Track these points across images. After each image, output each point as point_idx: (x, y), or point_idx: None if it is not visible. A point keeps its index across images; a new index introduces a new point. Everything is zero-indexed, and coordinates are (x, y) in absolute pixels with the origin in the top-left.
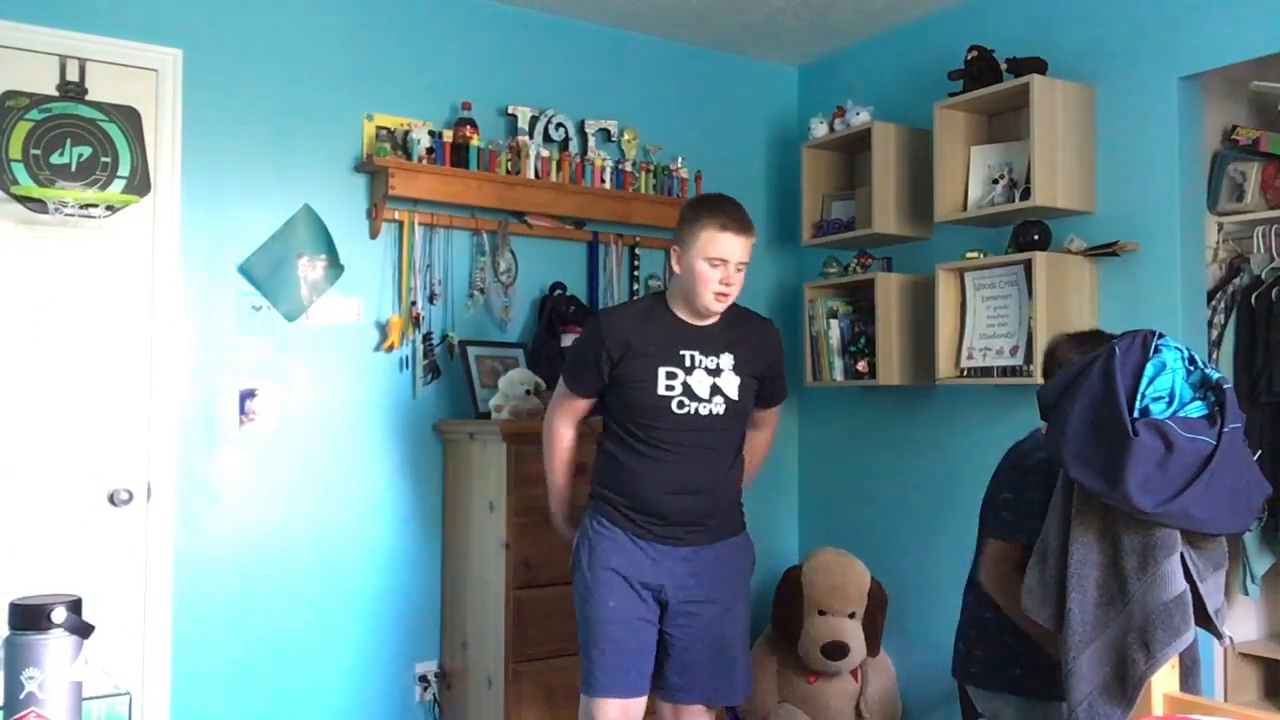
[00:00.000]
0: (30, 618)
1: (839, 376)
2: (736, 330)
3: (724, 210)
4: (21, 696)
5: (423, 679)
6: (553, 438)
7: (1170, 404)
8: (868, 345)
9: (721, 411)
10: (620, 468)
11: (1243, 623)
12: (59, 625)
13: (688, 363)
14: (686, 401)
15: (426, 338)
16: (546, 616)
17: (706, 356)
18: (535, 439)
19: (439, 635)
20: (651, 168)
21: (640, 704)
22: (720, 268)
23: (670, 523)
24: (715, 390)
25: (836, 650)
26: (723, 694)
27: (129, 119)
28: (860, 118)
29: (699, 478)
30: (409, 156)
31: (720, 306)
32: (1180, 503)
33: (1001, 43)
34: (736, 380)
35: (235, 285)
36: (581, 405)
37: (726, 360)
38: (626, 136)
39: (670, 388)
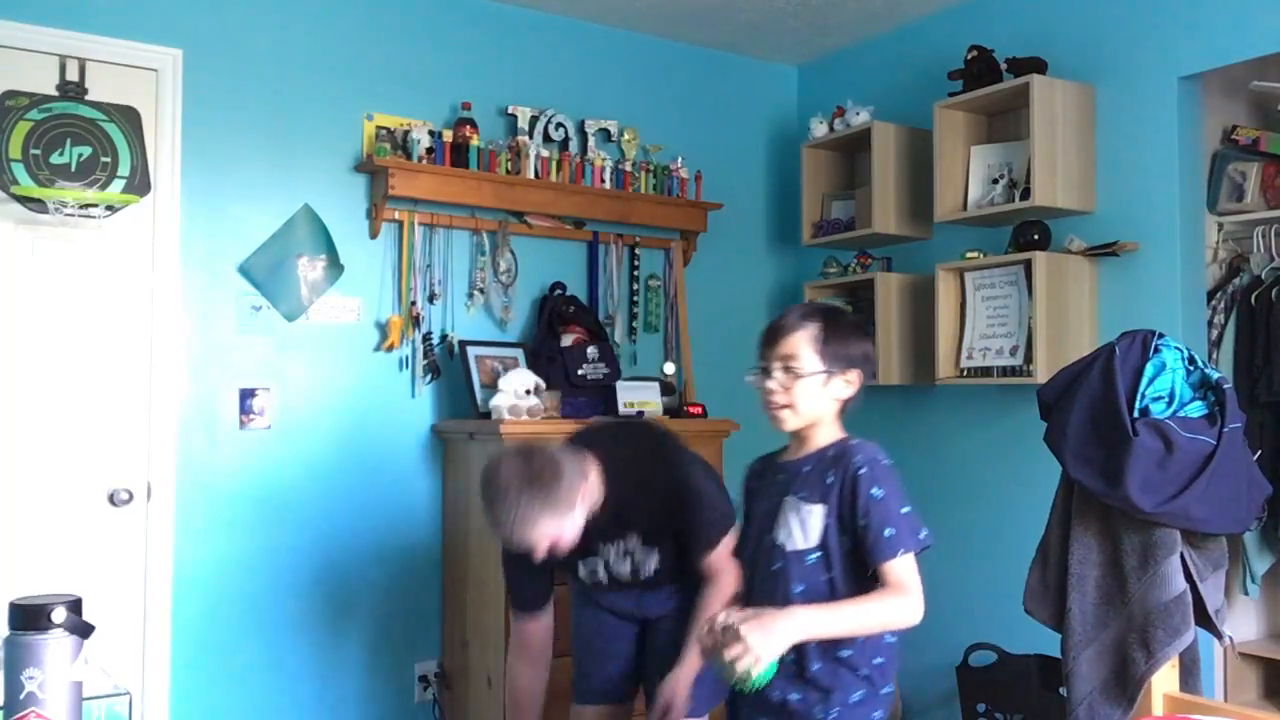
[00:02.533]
0: (30, 618)
1: None
2: None
3: None
4: (21, 696)
5: (423, 679)
6: None
7: (1170, 404)
8: None
9: None
10: None
11: (1243, 623)
12: (59, 625)
13: None
14: None
15: (426, 338)
16: None
17: None
18: (535, 439)
19: (439, 635)
20: (651, 168)
21: None
22: None
23: None
24: None
25: None
26: None
27: (129, 119)
28: (860, 118)
29: None
30: (409, 156)
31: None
32: (1180, 502)
33: (1001, 43)
34: None
35: (235, 285)
36: None
37: None
38: (626, 136)
39: None
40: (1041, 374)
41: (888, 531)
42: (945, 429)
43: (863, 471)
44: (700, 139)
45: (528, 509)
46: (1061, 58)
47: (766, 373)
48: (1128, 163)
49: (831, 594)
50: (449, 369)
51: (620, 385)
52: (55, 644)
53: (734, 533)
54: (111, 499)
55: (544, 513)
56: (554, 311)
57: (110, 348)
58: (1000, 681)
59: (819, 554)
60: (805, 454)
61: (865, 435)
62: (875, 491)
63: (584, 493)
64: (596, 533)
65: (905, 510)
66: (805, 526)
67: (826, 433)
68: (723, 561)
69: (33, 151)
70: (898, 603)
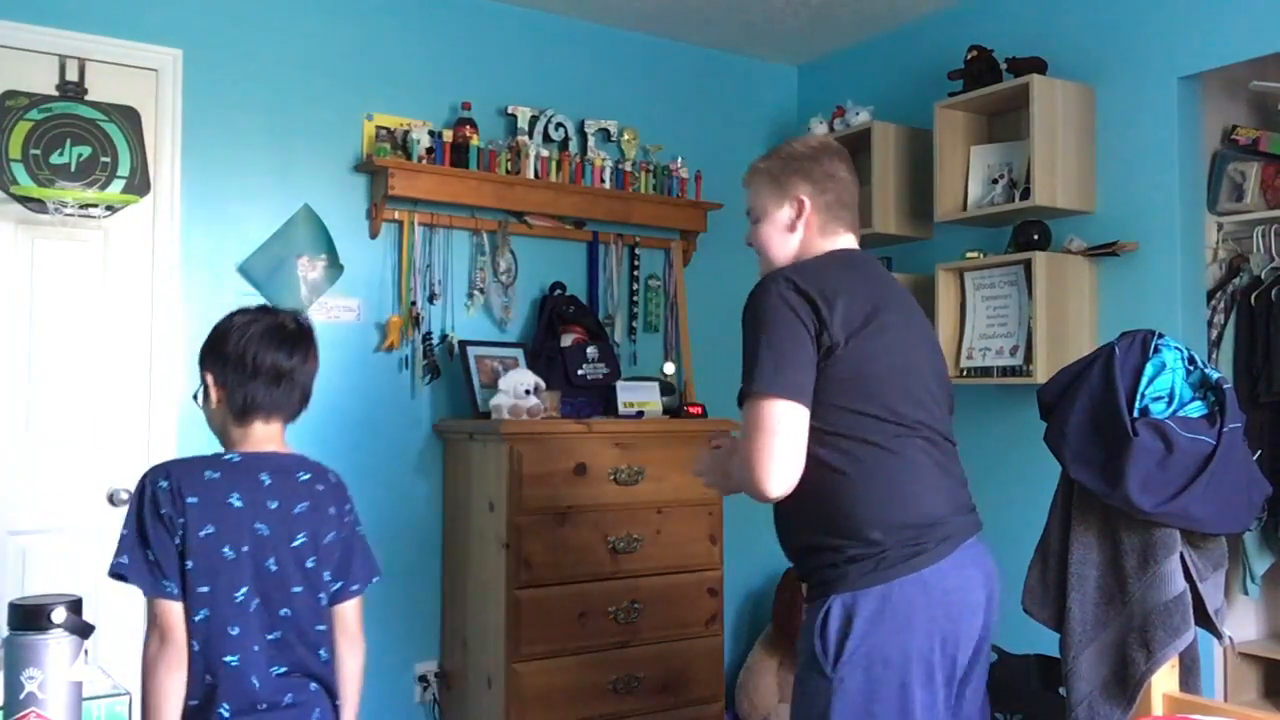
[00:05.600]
0: (30, 618)
1: None
2: None
3: None
4: (21, 696)
5: (423, 679)
6: None
7: (1170, 404)
8: None
9: None
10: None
11: (1243, 623)
12: (59, 625)
13: None
14: None
15: (426, 338)
16: (546, 616)
17: None
18: (535, 439)
19: (439, 635)
20: (651, 168)
21: None
22: None
23: None
24: None
25: None
26: None
27: (129, 119)
28: (860, 118)
29: None
30: (409, 156)
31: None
32: (1180, 502)
33: (1001, 43)
34: None
35: (235, 285)
36: None
37: None
38: (626, 136)
39: None
40: (1041, 374)
41: None
42: None
43: None
44: (700, 139)
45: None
46: (1061, 58)
47: None
48: (1128, 163)
49: None
50: (449, 369)
51: (620, 385)
52: (55, 644)
53: None
54: (111, 499)
55: None
56: (554, 311)
57: (110, 348)
58: (1000, 681)
59: None
60: None
61: None
62: None
63: None
64: None
65: None
66: None
67: None
68: None
69: (33, 151)
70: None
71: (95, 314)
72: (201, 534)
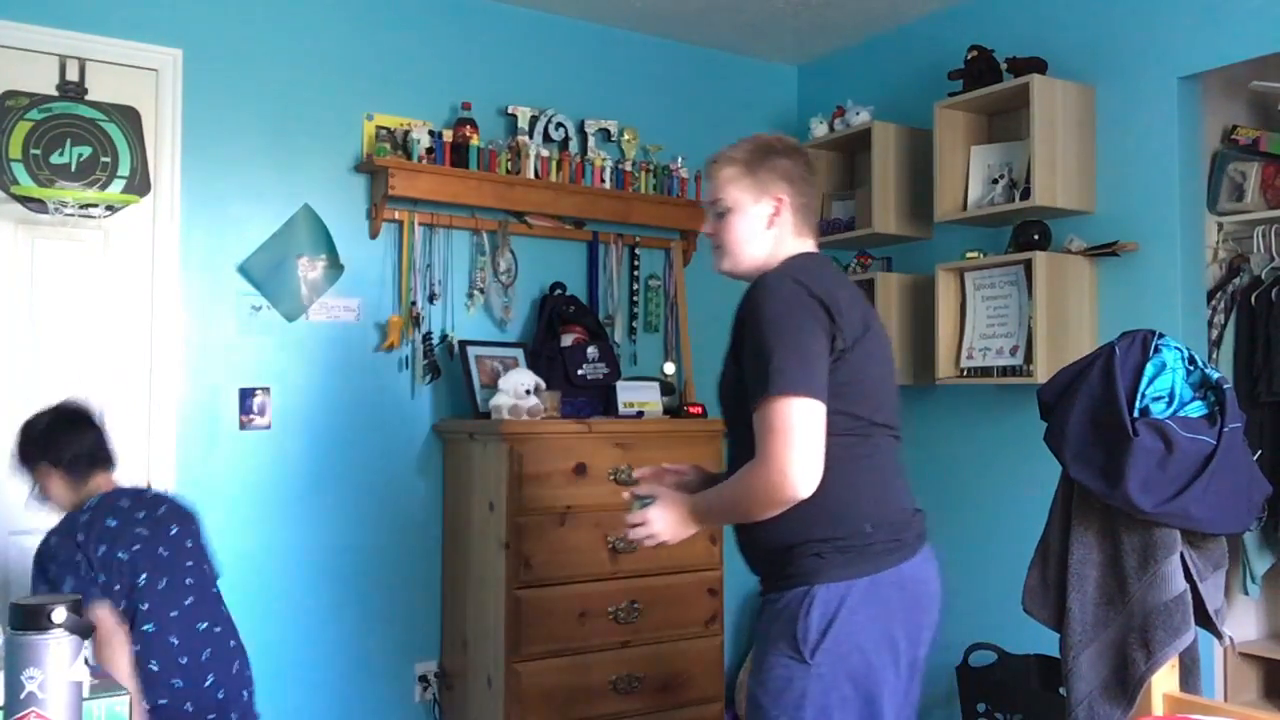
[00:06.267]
0: (30, 618)
1: None
2: None
3: None
4: (22, 696)
5: (423, 679)
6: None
7: (1170, 404)
8: None
9: None
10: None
11: (1243, 623)
12: (59, 625)
13: None
14: None
15: (426, 338)
16: (546, 616)
17: None
18: (535, 439)
19: (439, 635)
20: (651, 168)
21: None
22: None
23: None
24: None
25: None
26: None
27: (129, 119)
28: (860, 118)
29: None
30: (409, 156)
31: (717, 265)
32: (1180, 502)
33: (1001, 43)
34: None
35: (235, 285)
36: None
37: None
38: (626, 136)
39: None
40: (1041, 374)
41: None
42: (945, 429)
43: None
44: (700, 139)
45: None
46: (1061, 58)
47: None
48: (1128, 163)
49: None
50: (449, 369)
51: (620, 385)
52: (55, 644)
53: None
54: None
55: None
56: (554, 311)
57: (110, 348)
58: (1000, 681)
59: None
60: None
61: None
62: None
63: None
64: None
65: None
66: None
67: None
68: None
69: (33, 151)
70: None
71: (95, 314)
72: None
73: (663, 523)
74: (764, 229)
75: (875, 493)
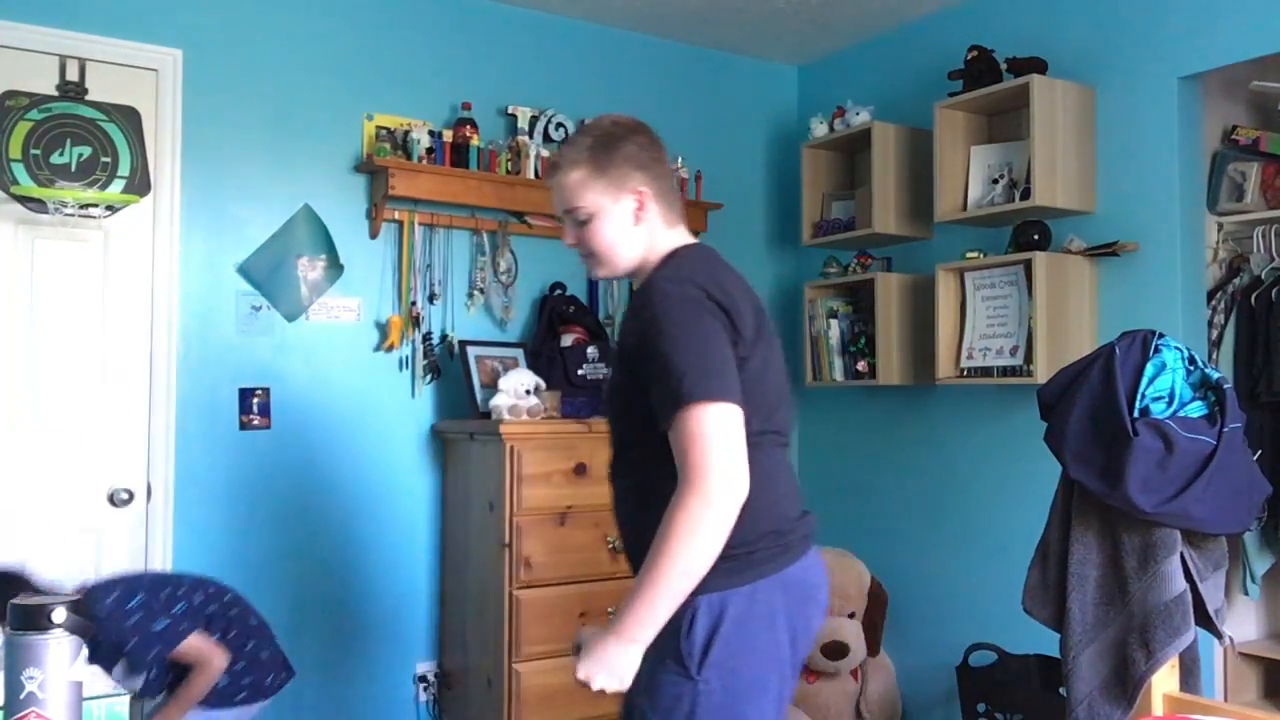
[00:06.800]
0: (30, 618)
1: (839, 376)
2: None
3: None
4: (21, 696)
5: (423, 679)
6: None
7: (1170, 404)
8: (868, 345)
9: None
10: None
11: (1243, 623)
12: (59, 625)
13: None
14: None
15: (426, 338)
16: (546, 616)
17: None
18: (535, 439)
19: (439, 635)
20: None
21: None
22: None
23: None
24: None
25: (836, 650)
26: None
27: (129, 119)
28: (860, 118)
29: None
30: (409, 156)
31: (594, 273)
32: (1180, 502)
33: (1001, 43)
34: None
35: (235, 285)
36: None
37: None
38: None
39: None
40: (1041, 374)
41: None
42: (945, 429)
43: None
44: (700, 139)
45: None
46: (1061, 58)
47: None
48: (1128, 163)
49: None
50: (449, 369)
51: None
52: (55, 644)
53: None
54: (111, 499)
55: None
56: (554, 311)
57: (110, 348)
58: (1000, 681)
59: None
60: None
61: (866, 435)
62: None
63: None
64: None
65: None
66: None
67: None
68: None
69: (33, 151)
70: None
71: (95, 314)
72: None
73: (597, 667)
74: (633, 226)
75: (762, 502)
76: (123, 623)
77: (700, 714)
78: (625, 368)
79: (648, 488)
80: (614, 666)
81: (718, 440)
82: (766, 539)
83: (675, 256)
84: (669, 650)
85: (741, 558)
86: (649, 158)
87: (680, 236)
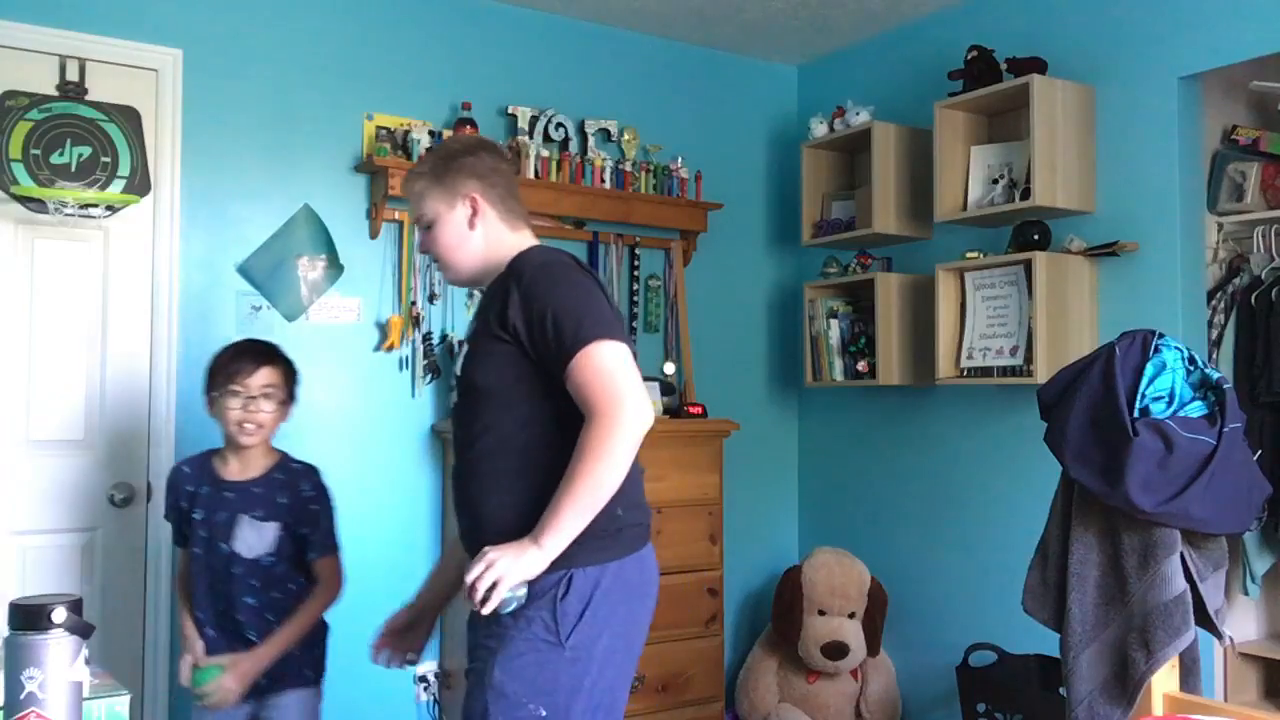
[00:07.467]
0: (30, 618)
1: (839, 376)
2: None
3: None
4: (21, 696)
5: (423, 679)
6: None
7: (1170, 404)
8: (868, 345)
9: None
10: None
11: (1243, 623)
12: (59, 625)
13: None
14: None
15: (426, 338)
16: None
17: None
18: None
19: (439, 635)
20: (651, 168)
21: None
22: None
23: None
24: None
25: (836, 650)
26: None
27: (129, 119)
28: (860, 118)
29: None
30: (409, 156)
31: (447, 278)
32: (1180, 502)
33: (1001, 43)
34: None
35: (235, 285)
36: None
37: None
38: (626, 136)
39: None
40: (1041, 374)
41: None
42: (945, 429)
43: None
44: (700, 139)
45: None
46: (1061, 58)
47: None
48: (1128, 163)
49: None
50: (449, 369)
51: None
52: (55, 644)
53: None
54: (111, 499)
55: None
56: None
57: (110, 348)
58: (1000, 681)
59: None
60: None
61: (866, 435)
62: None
63: None
64: None
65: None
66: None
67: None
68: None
69: (33, 151)
70: None
71: (95, 314)
72: None
73: (502, 555)
74: (468, 230)
75: (631, 484)
76: (328, 500)
77: (562, 682)
78: (486, 330)
79: (513, 464)
80: (518, 560)
81: (622, 373)
82: (630, 514)
83: (528, 251)
84: (537, 618)
85: (611, 534)
86: (487, 168)
87: (528, 239)
